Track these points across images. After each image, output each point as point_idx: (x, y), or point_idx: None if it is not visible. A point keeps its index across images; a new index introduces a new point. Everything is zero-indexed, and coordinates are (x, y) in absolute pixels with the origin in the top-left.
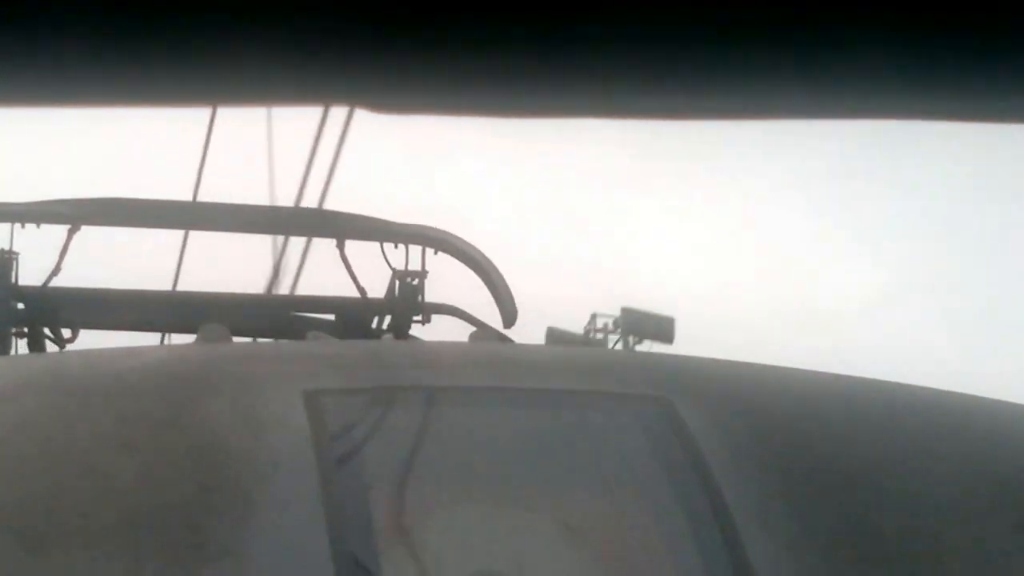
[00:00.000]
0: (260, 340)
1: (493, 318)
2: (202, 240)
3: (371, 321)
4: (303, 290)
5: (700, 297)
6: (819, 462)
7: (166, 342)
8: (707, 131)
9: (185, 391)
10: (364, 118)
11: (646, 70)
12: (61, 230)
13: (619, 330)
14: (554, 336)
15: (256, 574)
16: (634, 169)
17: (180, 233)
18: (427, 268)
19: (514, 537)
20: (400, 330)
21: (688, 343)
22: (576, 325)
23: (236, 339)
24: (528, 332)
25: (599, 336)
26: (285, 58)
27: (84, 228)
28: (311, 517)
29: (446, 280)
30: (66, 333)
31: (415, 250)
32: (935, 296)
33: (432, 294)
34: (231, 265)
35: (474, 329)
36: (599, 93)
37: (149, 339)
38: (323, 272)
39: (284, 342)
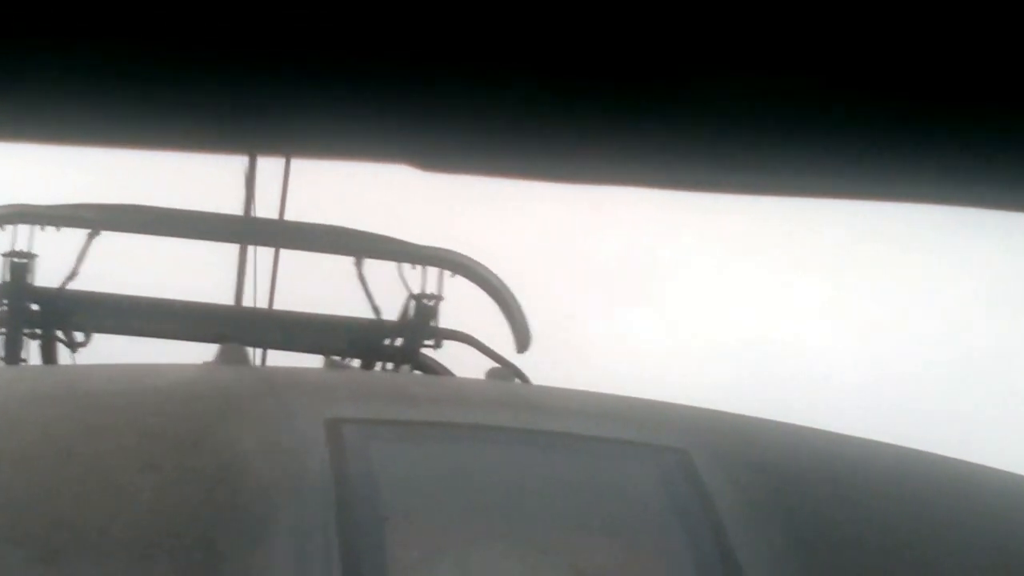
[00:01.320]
0: (282, 365)
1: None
2: (220, 252)
3: (383, 342)
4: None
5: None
6: (834, 525)
7: (179, 352)
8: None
9: (208, 414)
10: (410, 175)
11: (698, 143)
12: (81, 234)
13: None
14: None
15: None
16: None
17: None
18: (443, 295)
19: None
20: (412, 353)
21: None
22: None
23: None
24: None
25: None
26: (334, 112)
27: (104, 234)
28: (326, 546)
29: (460, 308)
30: (79, 337)
31: (432, 275)
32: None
33: (446, 322)
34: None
35: (488, 361)
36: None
37: (162, 346)
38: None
39: (307, 369)
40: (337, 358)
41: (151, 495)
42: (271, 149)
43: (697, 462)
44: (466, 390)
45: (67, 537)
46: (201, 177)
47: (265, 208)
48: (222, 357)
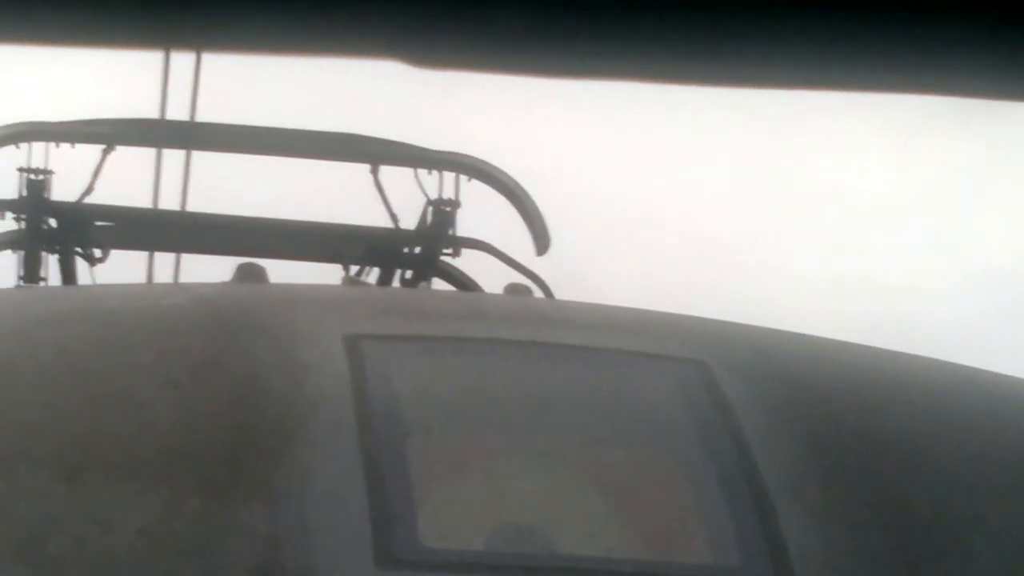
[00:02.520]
0: (300, 279)
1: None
2: (232, 162)
3: (401, 251)
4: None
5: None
6: (852, 432)
7: (198, 267)
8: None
9: (228, 332)
10: (401, 72)
11: (698, 35)
12: (96, 150)
13: None
14: None
15: (291, 515)
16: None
17: (213, 157)
18: (460, 201)
19: (548, 492)
20: (430, 262)
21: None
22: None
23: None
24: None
25: None
26: (326, 9)
27: (119, 149)
28: (348, 462)
29: (480, 216)
30: (97, 253)
31: (449, 181)
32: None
33: (467, 230)
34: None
35: (504, 266)
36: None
37: (181, 261)
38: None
39: (326, 285)
40: (355, 274)
41: (172, 413)
42: (255, 46)
43: (716, 373)
44: (485, 305)
45: (89, 456)
46: (149, 78)
47: (249, 114)
48: (240, 275)
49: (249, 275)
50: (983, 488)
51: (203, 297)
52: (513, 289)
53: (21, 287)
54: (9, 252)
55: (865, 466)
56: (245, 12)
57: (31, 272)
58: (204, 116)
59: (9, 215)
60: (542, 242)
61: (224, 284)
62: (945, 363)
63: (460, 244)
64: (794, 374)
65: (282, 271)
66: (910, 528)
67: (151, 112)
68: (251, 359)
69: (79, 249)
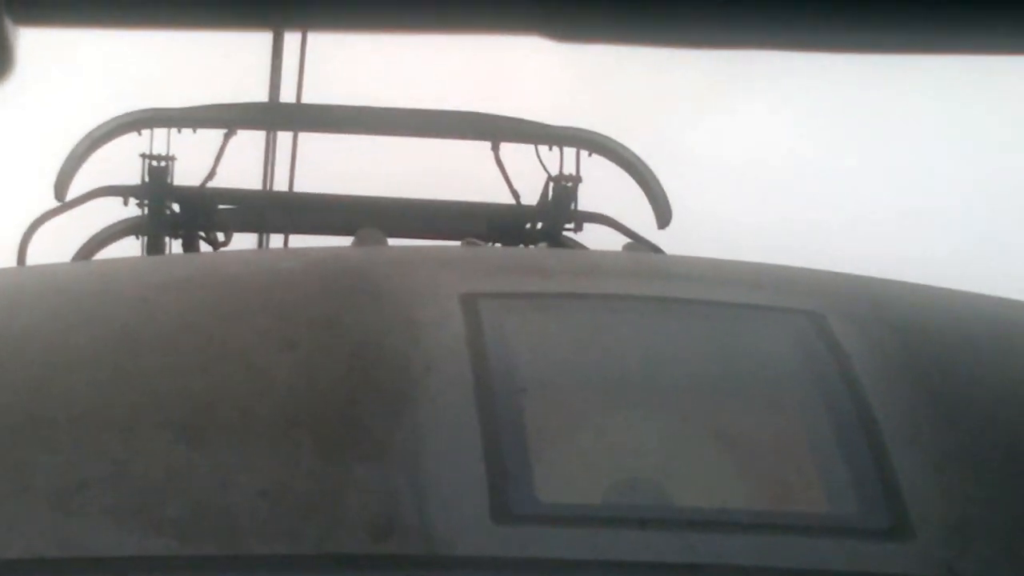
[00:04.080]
0: (416, 244)
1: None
2: (350, 142)
3: (523, 227)
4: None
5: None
6: (972, 382)
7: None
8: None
9: (343, 292)
10: (540, 46)
11: None
12: (217, 135)
13: None
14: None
15: (408, 472)
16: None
17: (333, 138)
18: (581, 175)
19: (665, 446)
20: (552, 237)
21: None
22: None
23: (391, 242)
24: None
25: None
26: None
27: (240, 133)
28: (465, 418)
29: (600, 189)
30: (220, 237)
31: (569, 157)
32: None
33: (585, 204)
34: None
35: (628, 240)
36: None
37: (304, 242)
38: (468, 176)
39: (441, 245)
40: (474, 239)
41: (290, 373)
42: (388, 24)
43: (833, 325)
44: (600, 262)
45: (209, 418)
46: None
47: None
48: (359, 240)
49: (368, 239)
50: None
51: (320, 260)
52: (632, 248)
53: (138, 257)
54: (133, 238)
55: (982, 414)
56: None
57: (156, 255)
58: (325, 98)
59: (133, 201)
60: (663, 216)
61: (341, 248)
62: None
63: (582, 219)
64: (912, 324)
65: None
66: None
67: (264, 95)
68: (367, 319)
69: (203, 233)
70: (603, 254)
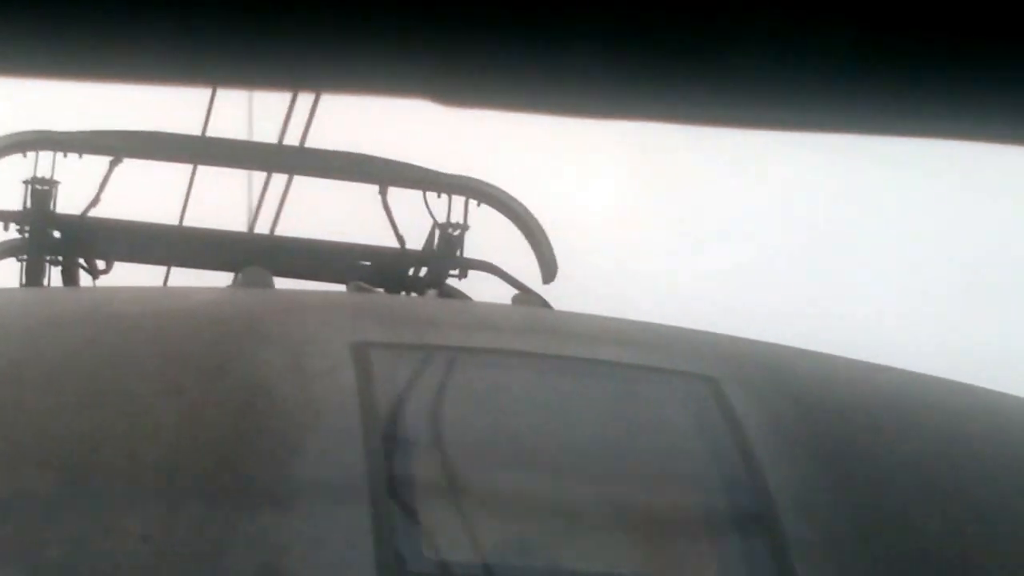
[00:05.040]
0: (303, 286)
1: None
2: (230, 180)
3: (408, 271)
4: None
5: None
6: (864, 454)
7: (202, 280)
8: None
9: (232, 337)
10: (428, 109)
11: (722, 77)
12: (103, 161)
13: None
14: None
15: (294, 524)
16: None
17: (220, 171)
18: (468, 224)
19: (554, 507)
20: (436, 283)
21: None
22: None
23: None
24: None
25: None
26: (348, 48)
27: (127, 161)
28: (353, 471)
29: (485, 238)
30: (100, 265)
31: (458, 205)
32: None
33: (470, 253)
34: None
35: (511, 289)
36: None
37: (184, 275)
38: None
39: (332, 292)
40: (362, 284)
41: (176, 419)
42: (290, 83)
43: (727, 390)
44: (493, 315)
45: (92, 460)
46: (200, 105)
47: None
48: (245, 280)
49: (254, 279)
50: (996, 511)
51: (208, 301)
52: (520, 300)
53: (23, 289)
54: (13, 260)
55: (876, 487)
56: (269, 48)
57: (33, 281)
58: (216, 132)
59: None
60: (549, 270)
61: (229, 289)
62: (958, 383)
63: (467, 266)
64: (806, 392)
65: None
66: (922, 551)
67: (162, 125)
68: (257, 365)
69: (82, 261)
70: (496, 307)
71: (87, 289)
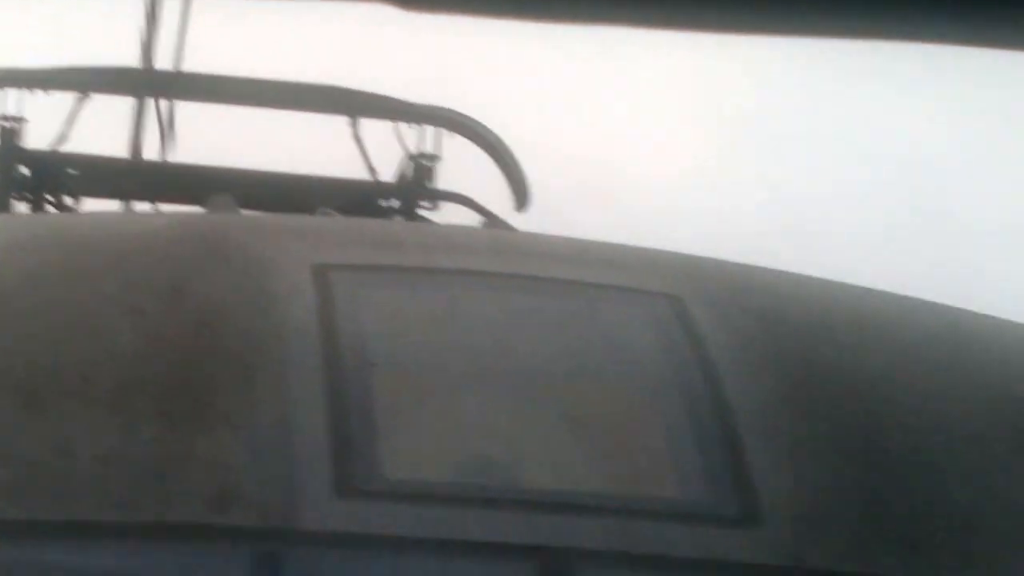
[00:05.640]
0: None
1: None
2: (207, 112)
3: (378, 203)
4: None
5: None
6: (827, 371)
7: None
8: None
9: (192, 259)
10: (391, 16)
11: None
12: (70, 98)
13: None
14: None
15: (251, 444)
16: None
17: (190, 105)
18: (440, 154)
19: (515, 426)
20: (408, 214)
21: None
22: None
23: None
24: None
25: None
26: None
27: (93, 97)
28: (312, 391)
29: (457, 169)
30: (69, 202)
31: (429, 134)
32: None
33: (443, 184)
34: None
35: (484, 220)
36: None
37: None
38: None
39: (294, 215)
40: (328, 209)
41: (134, 339)
42: None
43: (691, 308)
44: (456, 236)
45: (49, 382)
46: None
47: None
48: (211, 207)
49: (219, 207)
50: (957, 429)
51: (169, 225)
52: (489, 226)
53: None
54: None
55: (837, 404)
56: None
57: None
58: (188, 65)
59: None
60: (521, 198)
61: (192, 214)
62: (927, 302)
63: (439, 197)
64: (770, 310)
65: None
66: (880, 467)
67: (133, 60)
68: (217, 287)
69: (50, 197)
70: (458, 228)
71: (46, 215)
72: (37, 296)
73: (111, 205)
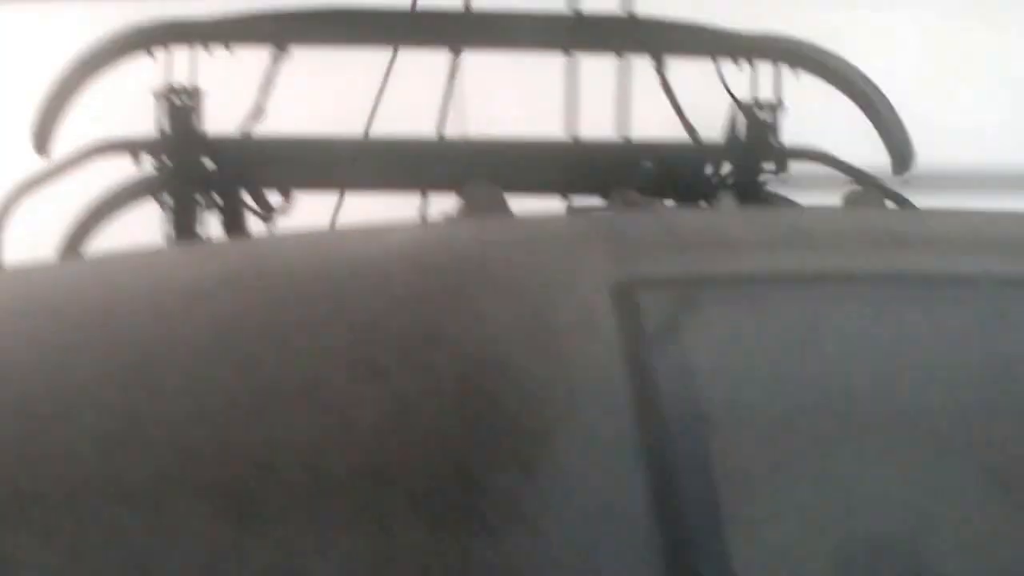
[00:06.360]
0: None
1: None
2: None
3: (703, 171)
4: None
5: None
6: None
7: (416, 207)
8: None
9: (447, 292)
10: None
11: None
12: (262, 56)
13: None
14: None
15: (552, 545)
16: None
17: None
18: (783, 98)
19: (925, 497)
20: (746, 185)
21: None
22: None
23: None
24: None
25: None
26: None
27: (295, 52)
28: (625, 463)
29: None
30: (274, 200)
31: (764, 75)
32: None
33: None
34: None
35: (850, 184)
36: None
37: (387, 204)
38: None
39: (580, 214)
40: (632, 193)
41: (376, 412)
42: None
43: None
44: (815, 225)
45: (265, 483)
46: None
47: None
48: (467, 199)
49: (479, 199)
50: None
51: (414, 242)
52: (856, 199)
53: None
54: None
55: None
56: None
57: (183, 228)
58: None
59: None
60: (901, 158)
61: (442, 222)
62: None
63: (788, 156)
64: None
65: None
66: None
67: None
68: (482, 328)
69: (247, 195)
70: (818, 213)
71: (241, 242)
72: (239, 361)
73: (325, 201)
